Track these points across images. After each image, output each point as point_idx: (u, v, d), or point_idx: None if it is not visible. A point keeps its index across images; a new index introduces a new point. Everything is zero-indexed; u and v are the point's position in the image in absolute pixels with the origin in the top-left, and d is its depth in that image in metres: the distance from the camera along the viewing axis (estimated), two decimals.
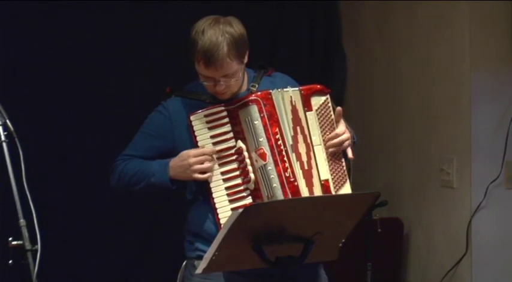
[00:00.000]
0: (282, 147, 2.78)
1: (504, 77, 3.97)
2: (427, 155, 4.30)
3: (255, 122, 2.78)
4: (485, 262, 4.01)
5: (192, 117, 2.81)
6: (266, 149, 2.77)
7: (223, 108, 2.82)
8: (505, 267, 4.01)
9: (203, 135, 2.82)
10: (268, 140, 2.77)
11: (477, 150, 3.99)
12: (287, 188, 2.75)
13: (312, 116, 2.86)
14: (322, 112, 2.88)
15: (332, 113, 2.88)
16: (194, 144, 2.82)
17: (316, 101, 2.88)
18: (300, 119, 2.85)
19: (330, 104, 2.89)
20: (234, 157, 2.82)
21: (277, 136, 2.78)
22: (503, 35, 3.95)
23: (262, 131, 2.78)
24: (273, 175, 2.76)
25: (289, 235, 2.55)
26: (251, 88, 2.92)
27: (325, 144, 2.85)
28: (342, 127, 2.87)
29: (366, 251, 4.07)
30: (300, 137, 2.84)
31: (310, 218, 2.55)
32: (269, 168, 2.76)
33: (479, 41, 3.97)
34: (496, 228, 4.01)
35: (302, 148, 2.83)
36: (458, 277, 4.08)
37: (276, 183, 2.75)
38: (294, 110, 2.84)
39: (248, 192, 2.80)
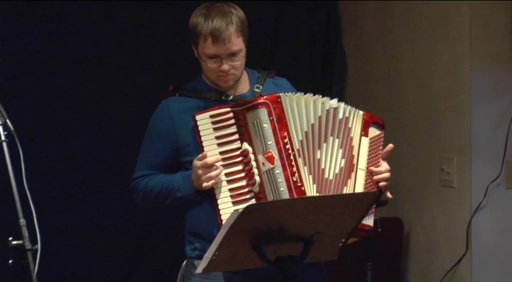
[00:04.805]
0: (290, 151, 2.76)
1: (504, 77, 3.97)
2: (427, 154, 4.30)
3: (264, 125, 2.76)
4: (485, 262, 4.01)
5: (197, 117, 2.80)
6: (274, 152, 2.76)
7: (229, 109, 2.81)
8: (505, 267, 4.00)
9: (208, 136, 2.80)
10: (277, 143, 2.76)
11: (477, 150, 3.98)
12: (294, 193, 2.73)
13: (365, 142, 2.89)
14: (374, 143, 2.92)
15: (381, 148, 2.93)
16: (198, 144, 2.81)
17: (373, 132, 2.93)
18: (352, 138, 2.87)
19: (382, 140, 2.95)
20: (239, 159, 2.80)
21: (286, 140, 2.76)
22: (503, 35, 3.95)
23: (271, 134, 2.76)
24: (281, 179, 2.74)
25: (289, 235, 2.54)
26: (255, 90, 2.92)
27: (367, 173, 2.88)
28: (387, 165, 2.93)
29: (366, 251, 4.06)
30: (343, 153, 2.84)
31: (310, 217, 2.55)
32: (277, 171, 2.75)
33: (479, 41, 3.97)
34: (496, 228, 4.01)
35: (342, 165, 2.83)
36: (458, 277, 4.08)
37: (283, 187, 2.74)
38: (345, 128, 2.85)
39: (252, 194, 2.78)
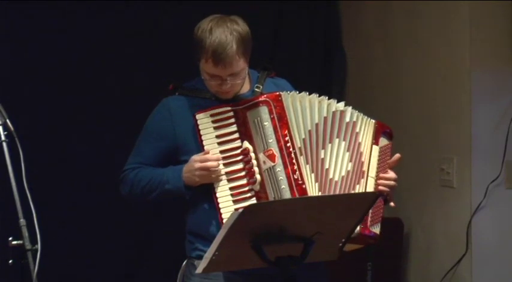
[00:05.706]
0: (290, 149, 2.76)
1: (504, 77, 3.97)
2: (427, 155, 4.30)
3: (265, 123, 2.76)
4: (485, 262, 4.01)
5: (197, 116, 2.80)
6: (275, 150, 2.76)
7: (229, 108, 2.81)
8: (505, 267, 4.00)
9: (208, 135, 2.80)
10: (278, 141, 2.76)
11: (477, 150, 3.98)
12: (295, 191, 2.73)
13: (376, 150, 2.92)
14: (383, 153, 2.94)
15: (389, 159, 2.96)
16: (198, 143, 2.81)
17: (382, 141, 2.95)
18: (360, 144, 2.88)
19: (390, 150, 2.98)
20: (239, 158, 2.80)
21: (287, 138, 2.77)
22: (503, 35, 3.95)
23: (272, 132, 2.76)
24: (282, 177, 2.74)
25: (289, 235, 2.54)
26: (255, 89, 2.92)
27: (376, 180, 2.89)
28: (394, 174, 2.96)
29: (366, 251, 4.06)
30: (350, 156, 2.85)
31: (310, 217, 2.55)
32: (278, 169, 2.75)
33: (479, 41, 3.97)
34: (496, 228, 4.01)
35: (348, 168, 2.84)
36: (458, 277, 4.08)
37: (284, 185, 2.74)
38: (352, 132, 2.86)
39: (253, 193, 2.78)
